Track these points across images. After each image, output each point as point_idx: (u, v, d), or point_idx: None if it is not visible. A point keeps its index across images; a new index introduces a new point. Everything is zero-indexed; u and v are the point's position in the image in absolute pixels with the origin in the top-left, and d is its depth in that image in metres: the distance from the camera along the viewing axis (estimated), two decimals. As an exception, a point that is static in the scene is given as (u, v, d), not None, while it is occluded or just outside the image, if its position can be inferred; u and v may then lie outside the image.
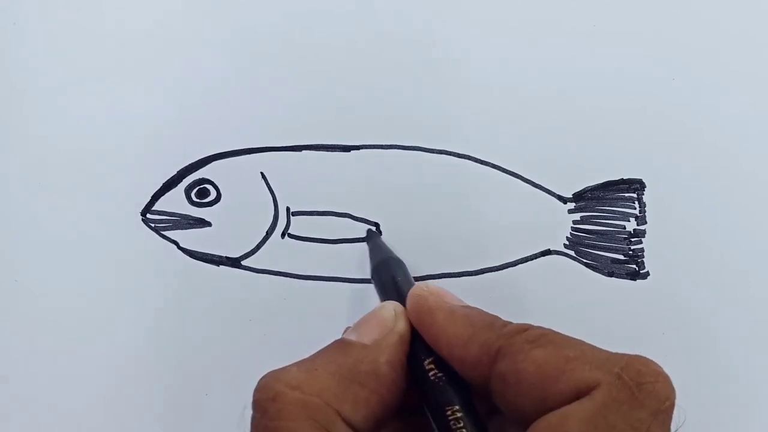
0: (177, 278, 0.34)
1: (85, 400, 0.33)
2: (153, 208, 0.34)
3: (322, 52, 0.34)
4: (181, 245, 0.34)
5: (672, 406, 0.21)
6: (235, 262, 0.34)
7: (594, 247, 0.34)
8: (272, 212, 0.34)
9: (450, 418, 0.23)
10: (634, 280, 0.33)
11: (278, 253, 0.34)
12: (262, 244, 0.34)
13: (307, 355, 0.24)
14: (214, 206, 0.34)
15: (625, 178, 0.34)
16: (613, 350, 0.22)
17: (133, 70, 0.35)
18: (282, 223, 0.34)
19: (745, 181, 0.34)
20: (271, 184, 0.34)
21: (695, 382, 0.33)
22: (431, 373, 0.24)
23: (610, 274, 0.34)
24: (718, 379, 0.33)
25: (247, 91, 0.34)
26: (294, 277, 0.33)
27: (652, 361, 0.22)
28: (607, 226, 0.34)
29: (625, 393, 0.20)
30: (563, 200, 0.34)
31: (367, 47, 0.34)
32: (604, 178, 0.34)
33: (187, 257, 0.34)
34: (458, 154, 0.34)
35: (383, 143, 0.34)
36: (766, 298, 0.33)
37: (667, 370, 0.22)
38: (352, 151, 0.34)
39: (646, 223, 0.34)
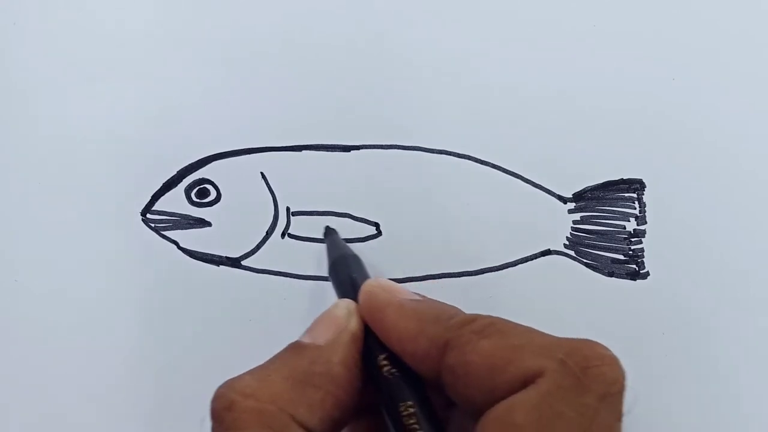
0: (177, 278, 0.34)
1: (85, 399, 0.33)
2: (153, 208, 0.34)
3: (322, 52, 0.34)
4: (181, 245, 0.34)
5: (621, 389, 0.21)
6: (235, 262, 0.34)
7: (594, 247, 0.34)
8: (272, 212, 0.34)
9: (403, 414, 0.23)
10: (634, 280, 0.33)
11: (278, 253, 0.34)
12: (262, 244, 0.34)
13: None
14: (214, 206, 0.34)
15: (625, 178, 0.34)
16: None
17: (133, 70, 0.35)
18: (282, 223, 0.34)
19: (745, 181, 0.34)
20: (271, 184, 0.34)
21: (695, 382, 0.33)
22: (385, 370, 0.24)
23: (610, 274, 0.34)
24: (718, 379, 0.33)
25: (248, 91, 0.34)
26: (294, 277, 0.33)
27: (599, 344, 0.21)
28: (607, 226, 0.34)
29: (570, 379, 0.20)
30: (563, 200, 0.34)
31: (367, 47, 0.34)
32: (604, 178, 0.34)
33: (187, 257, 0.34)
34: (458, 154, 0.34)
35: (383, 143, 0.34)
36: (766, 298, 0.33)
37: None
38: (352, 151, 0.34)
39: (646, 223, 0.34)
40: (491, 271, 0.33)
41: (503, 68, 0.34)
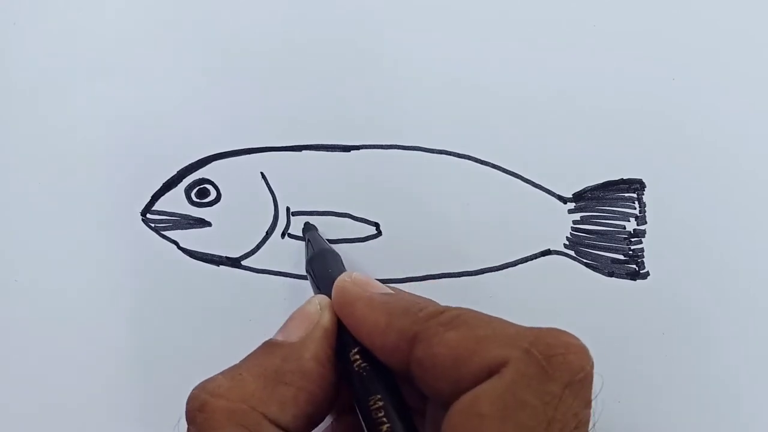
0: (177, 278, 0.34)
1: (84, 400, 0.33)
2: (153, 208, 0.34)
3: (322, 52, 0.34)
4: (181, 245, 0.34)
5: (587, 376, 0.21)
6: (235, 262, 0.34)
7: (594, 247, 0.34)
8: (272, 212, 0.34)
9: (372, 407, 0.23)
10: (634, 280, 0.33)
11: (278, 253, 0.34)
12: (262, 244, 0.34)
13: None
14: (214, 206, 0.34)
15: (625, 178, 0.34)
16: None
17: (133, 70, 0.35)
18: (282, 223, 0.34)
19: (745, 181, 0.34)
20: (271, 184, 0.34)
21: (695, 381, 0.33)
22: (356, 364, 0.24)
23: (610, 274, 0.34)
24: (718, 379, 0.33)
25: (248, 91, 0.34)
26: (294, 277, 0.33)
27: (564, 332, 0.21)
28: (607, 226, 0.34)
29: (534, 367, 0.20)
30: (563, 200, 0.34)
31: (367, 47, 0.34)
32: (604, 178, 0.34)
33: (187, 257, 0.34)
34: (458, 154, 0.34)
35: (383, 143, 0.34)
36: (766, 298, 0.33)
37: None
38: (352, 151, 0.34)
39: (646, 223, 0.34)
40: (491, 271, 0.33)
41: (503, 68, 0.34)
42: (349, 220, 0.34)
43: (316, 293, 0.28)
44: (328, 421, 0.29)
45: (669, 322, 0.33)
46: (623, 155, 0.34)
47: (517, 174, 0.34)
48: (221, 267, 0.34)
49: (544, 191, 0.34)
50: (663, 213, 0.34)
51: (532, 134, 0.34)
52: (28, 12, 0.35)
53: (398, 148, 0.34)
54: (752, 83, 0.34)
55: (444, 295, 0.33)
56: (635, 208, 0.34)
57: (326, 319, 0.25)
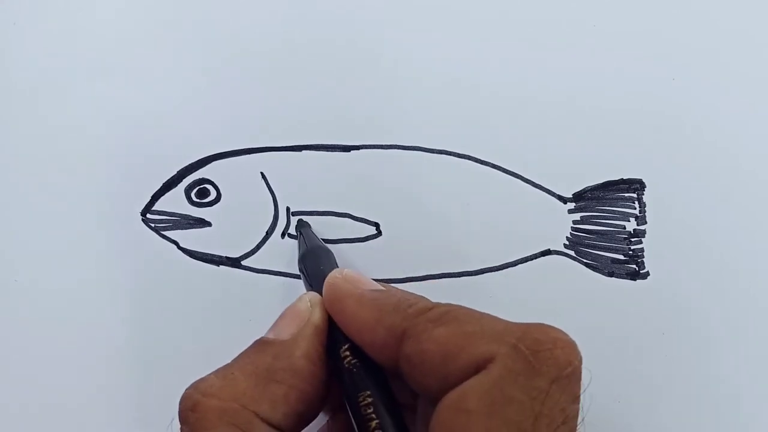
0: (177, 278, 0.34)
1: (84, 400, 0.33)
2: (153, 208, 0.34)
3: (322, 53, 0.34)
4: (181, 245, 0.34)
5: (575, 371, 0.21)
6: (235, 262, 0.34)
7: (594, 247, 0.34)
8: (272, 212, 0.34)
9: (361, 404, 0.23)
10: (634, 280, 0.33)
11: (278, 253, 0.34)
12: (262, 244, 0.34)
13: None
14: (214, 206, 0.34)
15: (625, 178, 0.34)
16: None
17: (133, 70, 0.35)
18: (282, 223, 0.34)
19: (745, 181, 0.34)
20: (271, 184, 0.34)
21: (695, 381, 0.33)
22: (346, 361, 0.24)
23: (610, 274, 0.34)
24: (718, 379, 0.33)
25: (248, 91, 0.34)
26: (294, 277, 0.33)
27: (552, 327, 0.21)
28: (607, 226, 0.34)
29: (521, 363, 0.20)
30: (563, 200, 0.34)
31: (367, 47, 0.34)
32: (604, 178, 0.34)
33: (187, 257, 0.34)
34: (458, 154, 0.34)
35: (383, 143, 0.34)
36: (766, 298, 0.33)
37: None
38: (352, 151, 0.34)
39: (646, 223, 0.34)
40: (491, 271, 0.33)
41: (503, 68, 0.34)
42: (349, 220, 0.34)
43: (308, 290, 0.28)
44: (324, 420, 0.29)
45: (669, 322, 0.33)
46: (623, 155, 0.34)
47: (517, 174, 0.34)
48: (221, 267, 0.34)
49: (544, 191, 0.34)
50: (663, 213, 0.34)
51: (532, 134, 0.34)
52: (28, 12, 0.35)
53: (398, 148, 0.34)
54: (752, 83, 0.34)
55: (444, 295, 0.33)
56: (635, 208, 0.34)
57: (317, 316, 0.25)
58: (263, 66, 0.34)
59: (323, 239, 0.33)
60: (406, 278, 0.33)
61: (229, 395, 0.23)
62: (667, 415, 0.32)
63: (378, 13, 0.35)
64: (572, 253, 0.34)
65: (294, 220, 0.34)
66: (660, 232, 0.34)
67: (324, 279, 0.26)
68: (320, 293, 0.26)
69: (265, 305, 0.33)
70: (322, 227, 0.34)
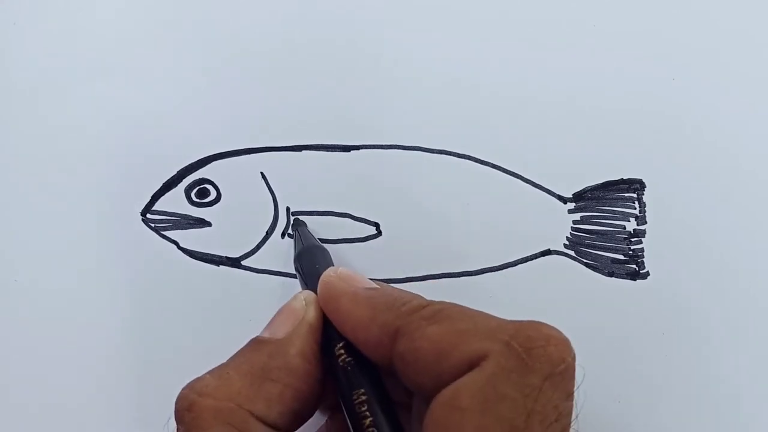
0: (177, 278, 0.34)
1: (84, 399, 0.33)
2: (153, 208, 0.34)
3: (322, 52, 0.34)
4: (181, 245, 0.34)
5: (568, 368, 0.21)
6: (235, 262, 0.34)
7: (594, 247, 0.34)
8: (272, 212, 0.34)
9: (356, 402, 0.23)
10: (634, 280, 0.33)
11: (278, 253, 0.34)
12: (262, 244, 0.34)
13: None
14: (214, 206, 0.34)
15: (625, 178, 0.34)
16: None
17: (134, 70, 0.35)
18: (282, 223, 0.34)
19: (745, 181, 0.34)
20: (271, 184, 0.34)
21: (695, 381, 0.33)
22: (340, 359, 0.24)
23: (610, 274, 0.34)
24: (718, 379, 0.33)
25: (248, 91, 0.34)
26: (294, 277, 0.33)
27: (546, 325, 0.21)
28: (607, 226, 0.34)
29: (514, 360, 0.20)
30: (563, 200, 0.34)
31: (367, 47, 0.34)
32: (604, 178, 0.34)
33: (187, 257, 0.34)
34: (458, 154, 0.34)
35: (383, 143, 0.34)
36: (766, 298, 0.33)
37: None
38: (352, 151, 0.34)
39: (646, 223, 0.34)
40: (491, 271, 0.33)
41: (503, 68, 0.34)
42: (349, 220, 0.34)
43: (304, 289, 0.28)
44: (322, 419, 0.29)
45: (669, 322, 0.33)
46: (623, 155, 0.34)
47: (517, 174, 0.34)
48: (221, 267, 0.34)
49: (544, 191, 0.34)
50: (663, 213, 0.34)
51: (532, 134, 0.34)
52: (28, 12, 0.35)
53: (398, 148, 0.34)
54: (752, 83, 0.34)
55: (444, 295, 0.32)
56: (635, 208, 0.34)
57: (311, 314, 0.26)
58: (263, 66, 0.34)
59: (323, 239, 0.33)
60: (406, 278, 0.33)
61: (225, 395, 0.23)
62: (667, 415, 0.32)
63: (378, 13, 0.35)
64: (572, 253, 0.34)
65: (294, 220, 0.34)
66: (660, 232, 0.34)
67: (319, 277, 0.27)
68: (315, 291, 0.26)
69: (265, 305, 0.33)
70: (322, 227, 0.34)
